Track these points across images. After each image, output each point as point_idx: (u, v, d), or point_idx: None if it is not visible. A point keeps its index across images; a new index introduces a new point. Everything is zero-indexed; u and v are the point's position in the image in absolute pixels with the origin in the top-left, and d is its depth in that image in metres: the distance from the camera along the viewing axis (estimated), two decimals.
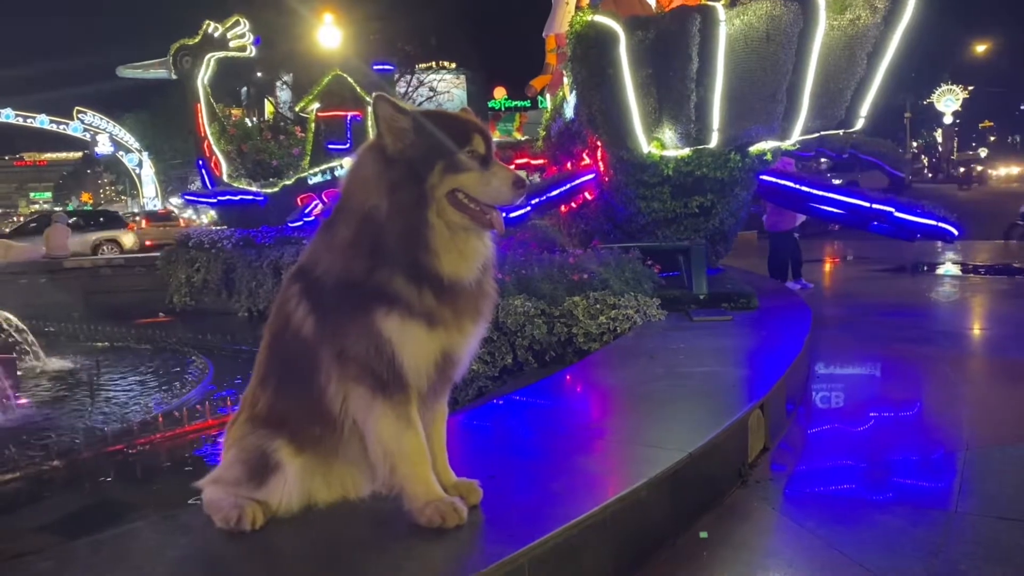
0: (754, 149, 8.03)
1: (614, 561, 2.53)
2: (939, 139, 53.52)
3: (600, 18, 7.56)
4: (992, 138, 60.58)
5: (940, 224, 9.24)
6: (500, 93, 54.67)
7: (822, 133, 8.18)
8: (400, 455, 2.19)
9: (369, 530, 2.29)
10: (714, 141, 7.47)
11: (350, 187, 2.26)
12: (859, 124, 8.02)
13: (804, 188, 9.54)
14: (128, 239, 24.61)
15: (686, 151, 7.72)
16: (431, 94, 42.83)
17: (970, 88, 50.47)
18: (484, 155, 2.18)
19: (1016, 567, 2.62)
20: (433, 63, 44.25)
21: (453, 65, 47.25)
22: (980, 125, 58.32)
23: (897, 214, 9.20)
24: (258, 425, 2.32)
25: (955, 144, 53.86)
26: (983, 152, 50.04)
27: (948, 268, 13.09)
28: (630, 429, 3.55)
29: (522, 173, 2.20)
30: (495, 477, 2.77)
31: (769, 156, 8.28)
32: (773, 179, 9.31)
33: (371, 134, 2.33)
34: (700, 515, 3.04)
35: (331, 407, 2.23)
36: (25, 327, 9.82)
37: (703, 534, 2.56)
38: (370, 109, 2.05)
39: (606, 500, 2.51)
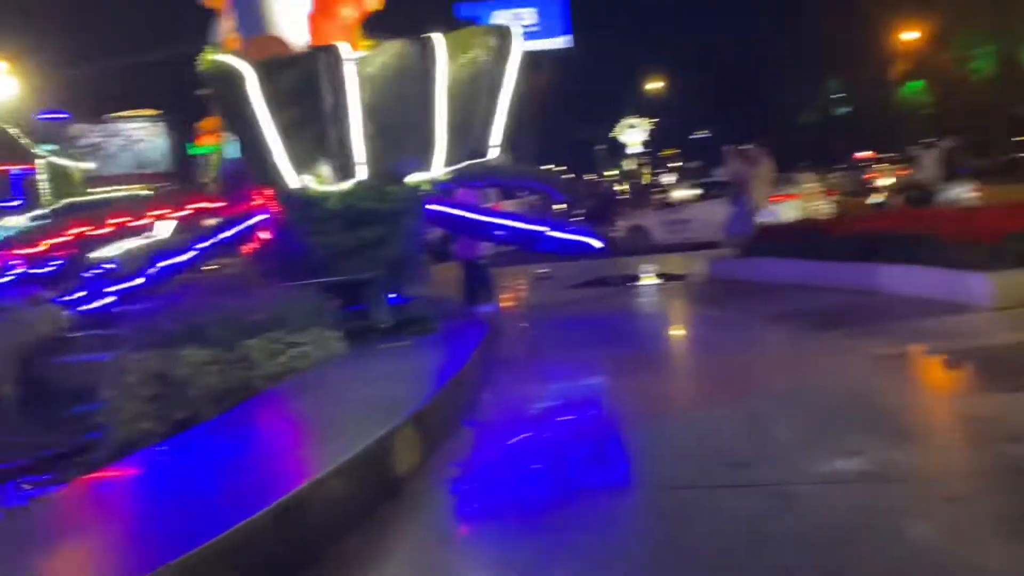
0: (410, 181, 8.18)
1: None
2: (635, 167, 57.98)
3: (225, 58, 7.40)
4: (678, 164, 66.31)
5: (583, 239, 10.43)
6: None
7: (465, 164, 8.38)
8: None
9: None
10: (361, 175, 7.58)
11: None
12: (493, 154, 8.38)
13: (470, 215, 10.02)
14: None
15: (348, 184, 7.73)
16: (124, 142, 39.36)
17: (655, 120, 55.84)
18: None
19: None
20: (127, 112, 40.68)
21: (153, 112, 43.39)
22: (661, 153, 64.40)
23: (550, 233, 10.16)
24: None
25: (647, 171, 58.81)
26: (670, 177, 54.61)
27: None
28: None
29: None
30: None
31: (428, 186, 8.45)
32: (440, 207, 9.59)
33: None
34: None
35: None
36: None
37: None
38: None
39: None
